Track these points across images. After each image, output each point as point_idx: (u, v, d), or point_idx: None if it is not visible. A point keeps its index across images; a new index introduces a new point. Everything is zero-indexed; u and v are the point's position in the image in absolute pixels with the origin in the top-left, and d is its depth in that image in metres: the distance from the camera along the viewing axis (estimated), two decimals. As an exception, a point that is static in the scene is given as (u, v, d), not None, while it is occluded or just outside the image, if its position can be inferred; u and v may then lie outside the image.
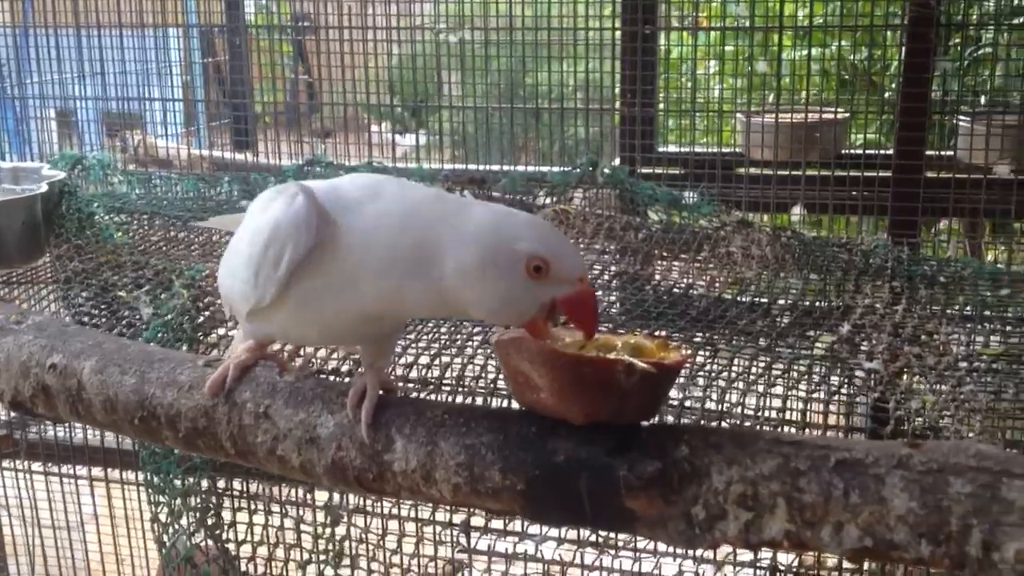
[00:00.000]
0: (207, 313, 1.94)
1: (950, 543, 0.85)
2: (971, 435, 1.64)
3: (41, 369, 1.11)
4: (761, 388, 1.72)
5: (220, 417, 1.04)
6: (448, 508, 1.80)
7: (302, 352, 1.43)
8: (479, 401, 1.64)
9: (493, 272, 0.97)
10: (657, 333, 1.90)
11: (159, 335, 1.93)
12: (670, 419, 1.50)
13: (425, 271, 0.99)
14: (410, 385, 1.76)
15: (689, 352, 1.13)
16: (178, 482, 1.89)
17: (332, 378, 1.58)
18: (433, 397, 1.74)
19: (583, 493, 0.92)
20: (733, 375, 1.75)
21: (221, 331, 1.89)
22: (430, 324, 1.90)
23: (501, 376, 1.30)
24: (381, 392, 1.04)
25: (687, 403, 1.68)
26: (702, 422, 1.65)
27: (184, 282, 2.09)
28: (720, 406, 1.67)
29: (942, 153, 3.25)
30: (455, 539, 1.98)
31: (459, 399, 1.72)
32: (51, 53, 3.92)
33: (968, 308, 2.11)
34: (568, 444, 0.93)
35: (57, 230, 2.45)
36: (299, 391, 1.04)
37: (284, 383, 1.05)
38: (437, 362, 1.78)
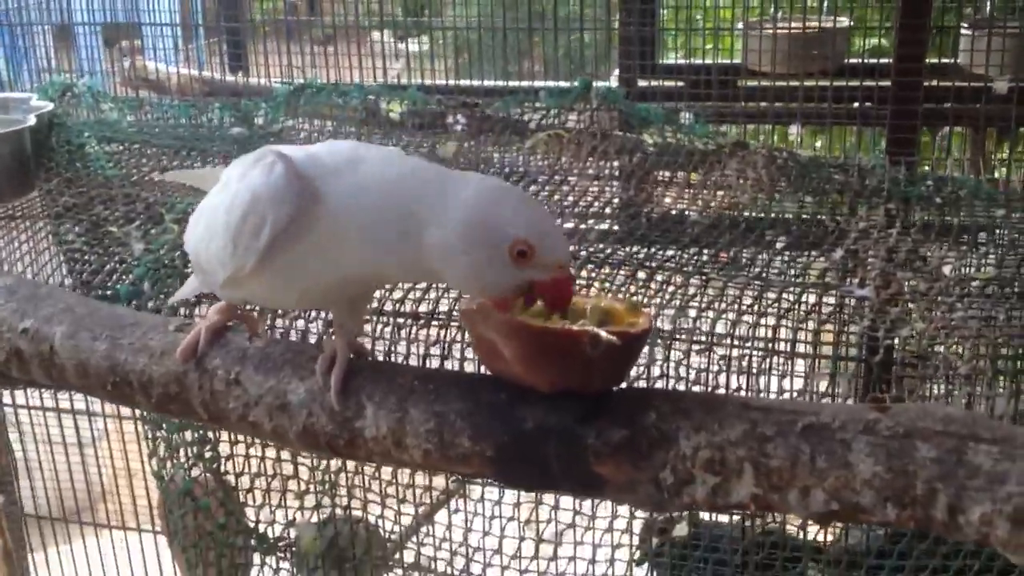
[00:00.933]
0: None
1: (916, 506, 0.86)
2: (960, 363, 1.65)
3: (13, 334, 1.11)
4: (751, 318, 1.72)
5: (191, 383, 1.04)
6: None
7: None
8: (467, 336, 1.65)
9: (477, 251, 0.95)
10: (650, 263, 1.89)
11: (150, 272, 1.93)
12: (656, 370, 1.50)
13: (407, 244, 0.97)
14: (400, 320, 1.77)
15: (654, 316, 1.10)
16: (168, 417, 1.91)
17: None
18: (424, 332, 1.74)
19: (552, 459, 0.93)
20: (724, 305, 1.75)
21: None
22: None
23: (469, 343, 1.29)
24: (352, 356, 1.04)
25: (677, 335, 1.69)
26: (692, 351, 1.66)
27: (175, 216, 2.08)
28: (709, 338, 1.67)
29: (943, 61, 3.19)
30: (449, 469, 2.01)
31: (450, 332, 1.72)
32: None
33: (964, 233, 2.09)
34: (537, 411, 0.93)
35: (47, 163, 2.43)
36: (269, 357, 1.04)
37: (254, 349, 1.05)
38: (427, 296, 1.78)
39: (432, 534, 2.06)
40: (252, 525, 2.05)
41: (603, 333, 0.89)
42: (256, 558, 2.08)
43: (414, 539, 2.12)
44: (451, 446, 0.95)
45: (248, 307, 1.17)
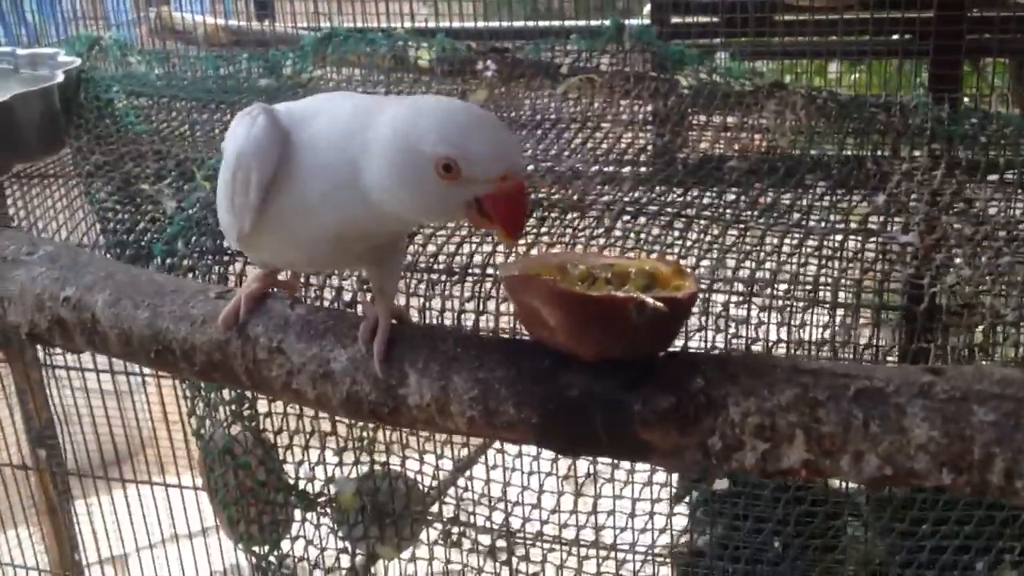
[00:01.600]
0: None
1: (972, 471, 0.84)
2: (1007, 311, 1.61)
3: (55, 302, 1.11)
4: (792, 267, 1.69)
5: (234, 351, 1.04)
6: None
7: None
8: (502, 293, 1.63)
9: (406, 177, 0.92)
10: (686, 212, 1.86)
11: (183, 229, 1.93)
12: (695, 321, 1.48)
13: (357, 190, 0.95)
14: (434, 276, 1.75)
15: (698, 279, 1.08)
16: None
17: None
18: (458, 288, 1.73)
19: (597, 427, 0.91)
20: (763, 254, 1.72)
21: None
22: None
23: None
24: (394, 322, 1.03)
25: (716, 284, 1.66)
26: (731, 303, 1.64)
27: (206, 173, 2.07)
28: (749, 288, 1.65)
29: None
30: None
31: (486, 287, 1.71)
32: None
33: (1010, 172, 2.04)
34: (581, 378, 0.92)
35: (76, 120, 2.42)
36: (311, 324, 1.03)
37: (296, 316, 1.04)
38: (460, 251, 1.77)
39: (471, 489, 2.07)
40: (292, 482, 2.06)
41: (648, 299, 0.87)
42: (296, 514, 2.10)
43: (452, 493, 2.13)
44: (496, 414, 0.94)
45: (287, 273, 1.16)
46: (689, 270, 0.95)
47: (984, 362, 1.60)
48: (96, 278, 1.12)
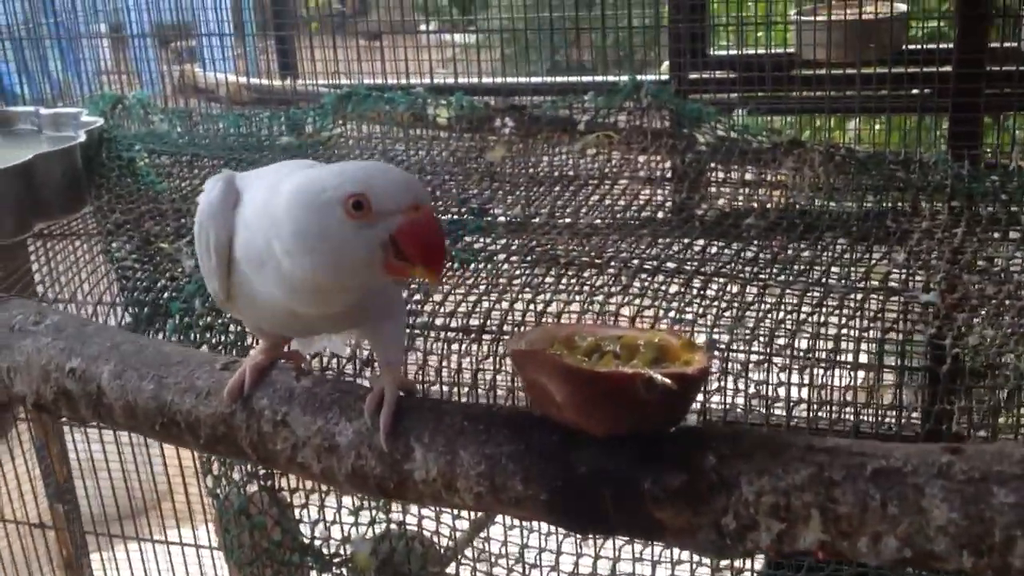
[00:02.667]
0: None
1: (993, 554, 0.81)
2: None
3: (61, 373, 1.11)
4: (812, 328, 1.67)
5: (239, 424, 1.03)
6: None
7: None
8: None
9: (312, 233, 0.91)
10: (704, 270, 1.85)
11: (200, 288, 1.93)
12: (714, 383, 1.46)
13: (276, 263, 0.95)
14: (451, 334, 1.74)
15: (712, 356, 1.06)
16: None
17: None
18: (474, 347, 1.72)
19: (608, 504, 0.89)
20: (782, 314, 1.70)
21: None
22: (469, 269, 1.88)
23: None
24: (401, 394, 1.01)
25: (735, 343, 1.64)
26: (748, 370, 1.61)
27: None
28: (768, 350, 1.62)
29: (1006, 45, 3.08)
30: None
31: (500, 347, 1.69)
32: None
33: (1031, 229, 2.01)
34: (591, 455, 0.90)
35: (98, 179, 2.44)
36: (316, 397, 1.01)
37: (301, 388, 1.02)
38: (477, 309, 1.76)
39: (488, 549, 2.04)
40: (307, 542, 2.04)
41: (657, 376, 0.85)
42: (312, 575, 2.07)
43: (469, 554, 2.10)
44: (503, 489, 0.93)
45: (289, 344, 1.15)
46: (700, 344, 0.93)
47: (1006, 438, 1.56)
48: (102, 348, 1.11)
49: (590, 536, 1.61)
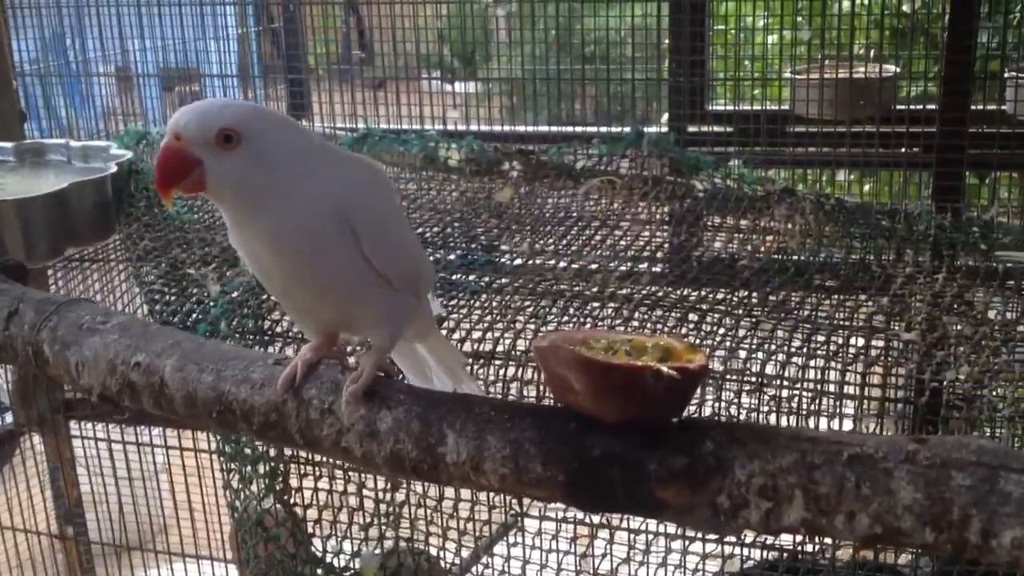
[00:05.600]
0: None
1: (952, 530, 0.94)
2: (1003, 406, 1.71)
3: (126, 367, 1.23)
4: (800, 360, 1.79)
5: (289, 412, 1.15)
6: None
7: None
8: (528, 373, 1.74)
9: None
10: (700, 306, 1.98)
11: (226, 312, 2.05)
12: (708, 409, 1.59)
13: None
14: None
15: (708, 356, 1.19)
16: (248, 450, 2.01)
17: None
18: (486, 369, 1.84)
19: (617, 484, 1.02)
20: (773, 346, 1.83)
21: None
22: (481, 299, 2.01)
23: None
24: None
25: (728, 376, 1.77)
26: (744, 391, 1.74)
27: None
28: (759, 379, 1.75)
29: (990, 108, 3.25)
30: (508, 503, 2.10)
31: (511, 370, 1.82)
32: (111, 20, 4.04)
33: (1008, 279, 2.15)
34: (603, 440, 1.03)
35: (127, 208, 2.56)
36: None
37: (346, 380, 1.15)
38: (487, 336, 1.88)
39: (491, 567, 2.14)
40: (319, 555, 2.14)
41: (664, 368, 0.99)
42: (323, 588, 2.17)
43: (473, 571, 2.20)
44: (525, 471, 1.05)
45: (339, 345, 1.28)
46: (700, 346, 1.06)
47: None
48: (164, 345, 1.24)
49: (600, 515, 1.71)
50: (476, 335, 1.88)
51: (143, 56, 4.20)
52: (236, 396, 1.17)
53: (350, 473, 2.06)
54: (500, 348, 1.86)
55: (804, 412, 1.73)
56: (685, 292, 2.09)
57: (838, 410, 1.80)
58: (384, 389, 1.13)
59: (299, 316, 1.27)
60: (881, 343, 1.87)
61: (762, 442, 1.00)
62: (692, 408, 1.65)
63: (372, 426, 1.10)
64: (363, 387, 1.13)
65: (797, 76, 3.35)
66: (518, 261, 2.26)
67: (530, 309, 1.97)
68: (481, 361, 1.84)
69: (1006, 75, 3.15)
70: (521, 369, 1.78)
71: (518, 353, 1.82)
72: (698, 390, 1.49)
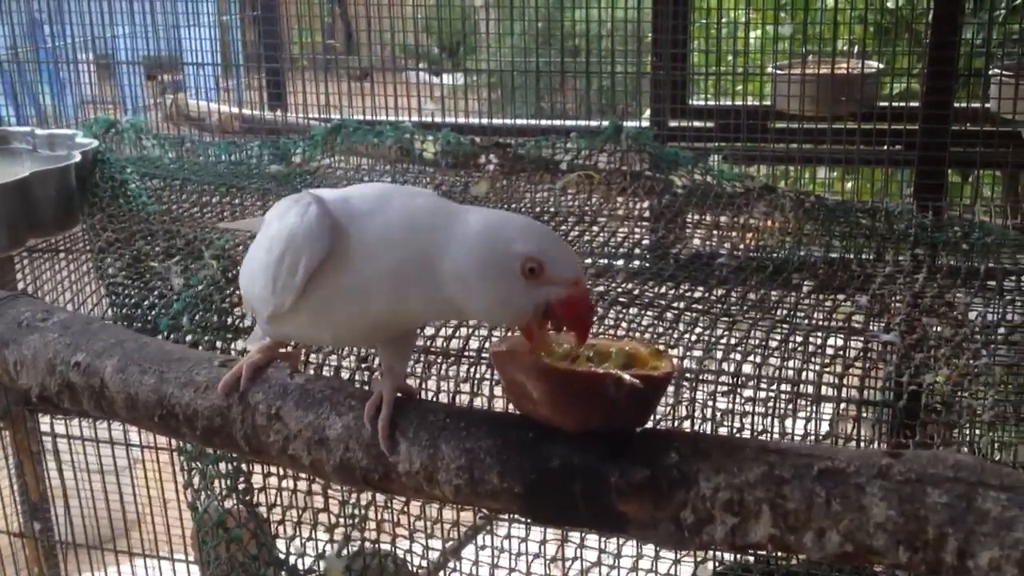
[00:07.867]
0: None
1: (927, 550, 0.89)
2: (982, 410, 1.67)
3: (66, 367, 1.17)
4: (776, 361, 1.74)
5: (234, 417, 1.09)
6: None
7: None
8: (496, 376, 1.69)
9: (490, 274, 1.00)
10: (677, 304, 1.93)
11: (189, 306, 1.99)
12: (683, 410, 1.54)
13: (427, 280, 1.02)
14: (431, 357, 1.81)
15: (676, 363, 1.14)
16: (210, 448, 1.95)
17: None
18: (454, 368, 1.79)
19: (577, 497, 0.97)
20: (750, 347, 1.78)
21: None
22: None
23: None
24: (399, 395, 1.09)
25: (702, 375, 1.72)
26: (717, 392, 1.69)
27: (214, 252, 2.14)
28: (735, 380, 1.70)
29: (973, 106, 3.21)
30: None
31: (481, 370, 1.76)
32: (91, 6, 3.97)
33: (990, 279, 2.11)
34: (563, 450, 0.97)
35: (91, 198, 2.50)
36: (309, 393, 1.08)
37: (295, 385, 1.09)
38: (457, 334, 1.83)
39: (459, 570, 2.09)
40: (283, 557, 2.08)
41: (626, 376, 0.93)
42: (286, 589, 2.11)
43: (441, 574, 2.15)
44: (481, 482, 1.00)
45: (290, 345, 1.22)
46: (667, 351, 1.01)
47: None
48: (106, 345, 1.18)
49: (559, 528, 1.67)
50: (446, 332, 1.82)
51: (123, 43, 4.12)
52: (179, 399, 1.11)
53: (314, 473, 2.00)
54: (473, 346, 1.81)
55: (780, 413, 1.68)
56: (662, 290, 2.04)
57: (815, 412, 1.75)
58: (335, 395, 1.07)
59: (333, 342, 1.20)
60: (860, 344, 1.83)
61: (728, 454, 0.95)
62: (662, 409, 1.60)
63: (320, 433, 1.05)
64: (390, 418, 1.08)
65: (779, 71, 3.30)
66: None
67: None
68: (452, 359, 1.79)
69: (990, 72, 3.11)
70: (491, 370, 1.72)
71: (487, 352, 1.77)
72: (668, 394, 1.44)
